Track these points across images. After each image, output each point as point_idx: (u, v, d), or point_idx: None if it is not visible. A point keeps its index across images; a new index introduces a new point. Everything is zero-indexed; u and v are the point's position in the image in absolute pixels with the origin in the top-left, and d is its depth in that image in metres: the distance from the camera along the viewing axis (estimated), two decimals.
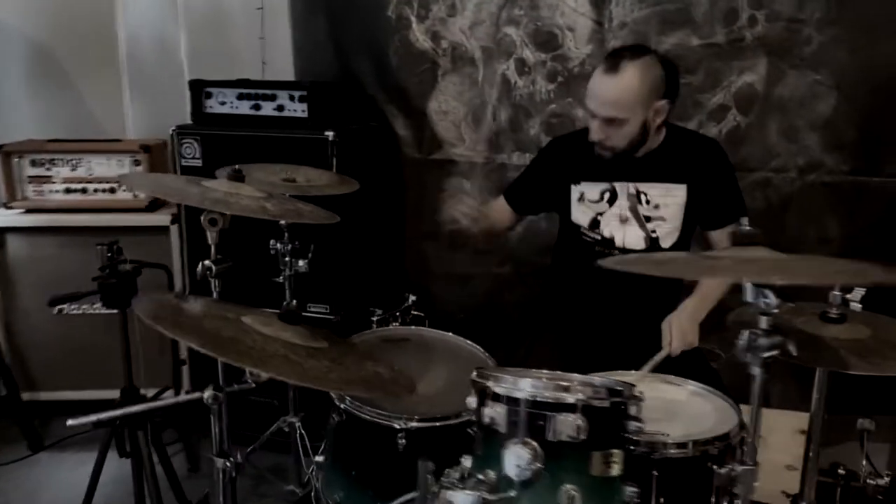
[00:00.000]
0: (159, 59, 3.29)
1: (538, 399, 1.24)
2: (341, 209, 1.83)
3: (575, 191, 2.15)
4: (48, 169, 2.98)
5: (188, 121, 2.80)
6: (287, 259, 2.28)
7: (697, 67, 2.53)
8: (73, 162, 2.99)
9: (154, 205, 3.02)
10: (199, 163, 2.73)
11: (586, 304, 2.17)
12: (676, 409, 1.66)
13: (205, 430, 2.92)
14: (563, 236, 2.25)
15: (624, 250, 2.12)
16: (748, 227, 1.26)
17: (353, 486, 1.82)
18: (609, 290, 2.13)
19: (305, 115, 2.66)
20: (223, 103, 2.75)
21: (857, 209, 2.46)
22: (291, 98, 2.68)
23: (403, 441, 1.70)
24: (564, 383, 1.28)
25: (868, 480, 1.78)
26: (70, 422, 1.37)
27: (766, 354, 1.15)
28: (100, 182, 3.00)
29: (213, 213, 1.55)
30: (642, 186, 2.09)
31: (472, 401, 1.33)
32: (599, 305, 2.14)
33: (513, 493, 1.21)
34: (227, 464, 1.53)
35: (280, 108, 2.69)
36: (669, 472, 1.46)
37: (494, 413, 1.27)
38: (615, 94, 1.93)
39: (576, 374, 1.42)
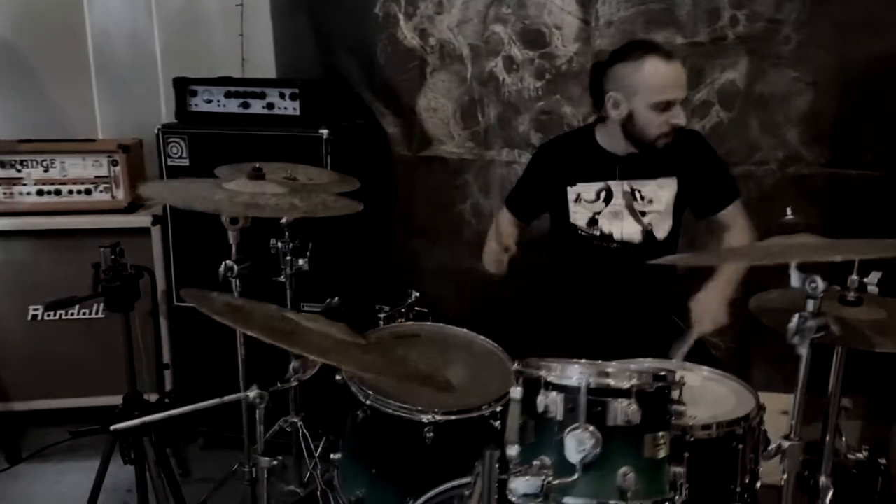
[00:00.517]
0: (131, 57, 3.20)
1: (594, 386, 1.28)
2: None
3: (571, 192, 2.19)
4: (18, 171, 2.86)
5: (163, 119, 2.73)
6: (288, 258, 2.25)
7: (682, 65, 2.61)
8: (46, 163, 2.88)
9: (133, 206, 2.94)
10: (185, 162, 2.66)
11: (592, 297, 2.22)
12: (695, 393, 1.71)
13: (190, 435, 2.92)
14: (558, 234, 2.29)
15: (623, 243, 2.18)
16: (792, 217, 1.32)
17: (375, 482, 1.83)
18: (610, 281, 2.20)
19: (297, 112, 2.62)
20: (209, 101, 2.69)
21: (834, 199, 2.58)
22: (282, 96, 2.63)
23: (431, 434, 1.73)
24: (616, 370, 1.32)
25: (849, 455, 1.88)
26: (113, 427, 1.33)
27: (814, 335, 1.21)
28: (74, 183, 2.89)
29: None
30: (636, 184, 2.16)
31: (516, 391, 1.36)
32: (604, 297, 2.20)
33: (574, 477, 1.25)
34: (274, 462, 1.51)
35: (270, 105, 2.65)
36: (698, 453, 1.53)
37: (549, 401, 1.30)
38: (681, 72, 2.04)
39: (617, 362, 1.47)
